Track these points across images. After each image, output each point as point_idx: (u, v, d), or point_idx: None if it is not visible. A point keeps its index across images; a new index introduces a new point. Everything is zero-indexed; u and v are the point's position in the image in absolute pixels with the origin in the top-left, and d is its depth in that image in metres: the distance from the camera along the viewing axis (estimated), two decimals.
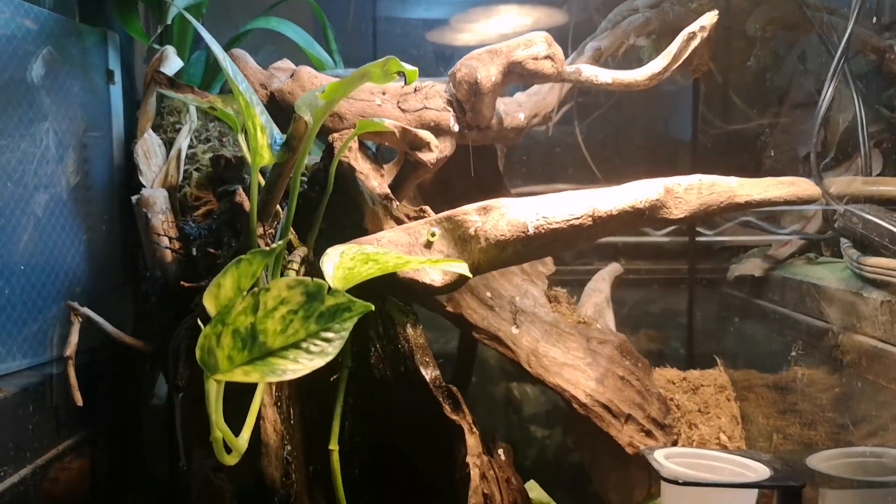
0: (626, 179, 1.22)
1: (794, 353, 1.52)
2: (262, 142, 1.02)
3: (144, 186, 1.55)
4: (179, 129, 1.62)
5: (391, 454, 1.19)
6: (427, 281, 1.16)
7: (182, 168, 1.57)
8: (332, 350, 0.86)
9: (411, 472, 1.19)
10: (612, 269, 1.84)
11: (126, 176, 1.67)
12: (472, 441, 1.10)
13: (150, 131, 1.60)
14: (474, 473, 1.08)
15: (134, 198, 1.53)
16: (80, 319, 1.41)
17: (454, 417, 1.11)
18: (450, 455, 1.13)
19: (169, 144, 1.62)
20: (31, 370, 1.38)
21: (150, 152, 1.59)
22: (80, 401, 1.38)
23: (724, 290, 1.93)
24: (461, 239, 1.16)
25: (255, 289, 0.83)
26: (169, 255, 1.47)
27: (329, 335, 0.86)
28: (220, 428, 0.89)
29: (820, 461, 1.46)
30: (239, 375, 0.84)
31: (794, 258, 1.66)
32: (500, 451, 1.17)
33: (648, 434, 1.54)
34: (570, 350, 1.57)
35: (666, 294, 2.06)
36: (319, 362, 0.85)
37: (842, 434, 1.47)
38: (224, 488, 1.39)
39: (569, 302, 1.68)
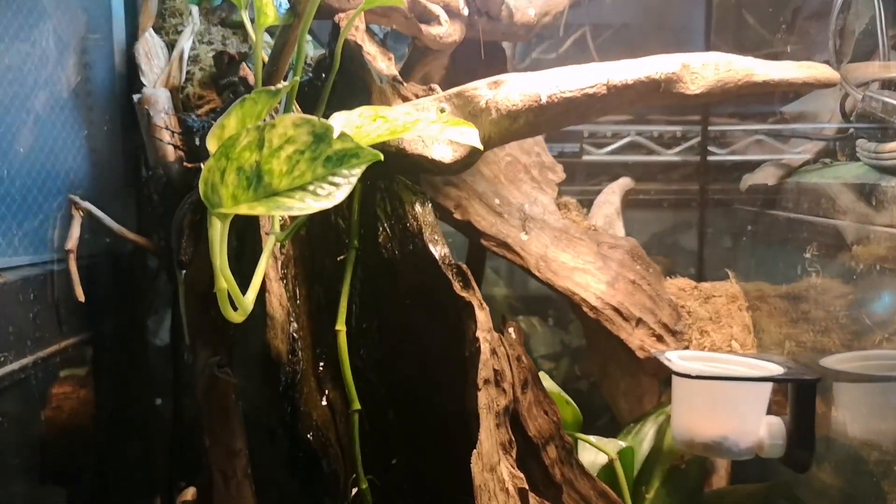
0: None
1: (808, 255, 1.48)
2: None
3: (146, 86, 1.52)
4: (182, 31, 1.59)
5: (399, 336, 1.17)
6: (436, 157, 1.13)
7: (184, 69, 1.54)
8: (341, 195, 0.83)
9: (419, 354, 1.16)
10: (623, 182, 1.81)
11: (127, 83, 1.64)
12: (483, 316, 1.08)
13: (152, 31, 1.56)
14: (484, 348, 1.05)
15: (135, 96, 1.50)
16: (82, 214, 1.39)
17: (464, 294, 1.09)
18: (459, 335, 1.10)
19: (171, 46, 1.58)
20: (31, 266, 1.36)
21: (151, 53, 1.56)
22: (81, 296, 1.36)
23: (735, 206, 1.90)
24: (471, 115, 1.13)
25: (260, 123, 0.80)
26: (171, 154, 1.44)
27: (337, 180, 0.83)
28: (224, 276, 0.87)
29: (834, 363, 1.44)
30: (244, 209, 0.81)
31: (808, 165, 1.62)
32: (511, 330, 1.15)
33: (659, 339, 1.52)
34: (580, 255, 1.54)
35: (677, 214, 2.03)
36: (326, 204, 0.82)
37: (856, 340, 1.44)
38: (229, 383, 1.37)
39: (579, 210, 1.65)
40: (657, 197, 2.02)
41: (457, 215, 1.51)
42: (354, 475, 1.13)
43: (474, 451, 1.02)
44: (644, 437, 1.52)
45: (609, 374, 1.61)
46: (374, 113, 0.95)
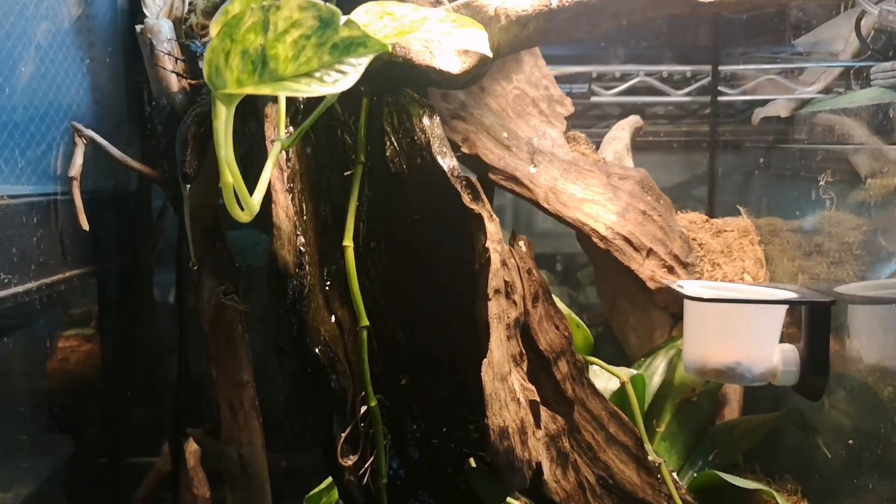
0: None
1: (822, 183, 1.46)
2: None
3: (148, 18, 1.49)
4: None
5: (407, 255, 1.15)
6: (444, 68, 1.11)
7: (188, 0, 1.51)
8: (347, 83, 0.81)
9: (429, 272, 1.14)
10: (632, 119, 1.79)
11: (129, 17, 1.62)
12: (493, 227, 1.06)
13: None
14: (494, 258, 1.03)
15: (138, 27, 1.47)
16: (85, 142, 1.37)
17: (473, 206, 1.07)
18: (469, 249, 1.08)
19: None
20: (35, 195, 1.34)
21: None
22: (85, 224, 1.34)
23: (747, 145, 1.87)
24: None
25: (264, 4, 0.78)
26: (175, 84, 1.42)
27: (344, 68, 0.82)
28: (230, 170, 0.85)
29: (849, 291, 1.42)
30: (249, 90, 0.79)
31: (821, 95, 1.60)
32: (521, 244, 1.13)
33: (670, 270, 1.50)
34: (589, 186, 1.52)
35: (687, 156, 2.00)
36: (333, 90, 0.80)
37: (870, 271, 1.42)
38: (236, 311, 1.36)
39: (588, 143, 1.63)
40: (667, 139, 1.99)
41: (464, 149, 1.50)
42: (363, 393, 1.11)
43: (484, 360, 1.00)
44: (655, 371, 1.50)
45: (619, 309, 1.59)
46: (380, 10, 0.92)
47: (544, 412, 1.06)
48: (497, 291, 1.03)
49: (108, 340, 1.60)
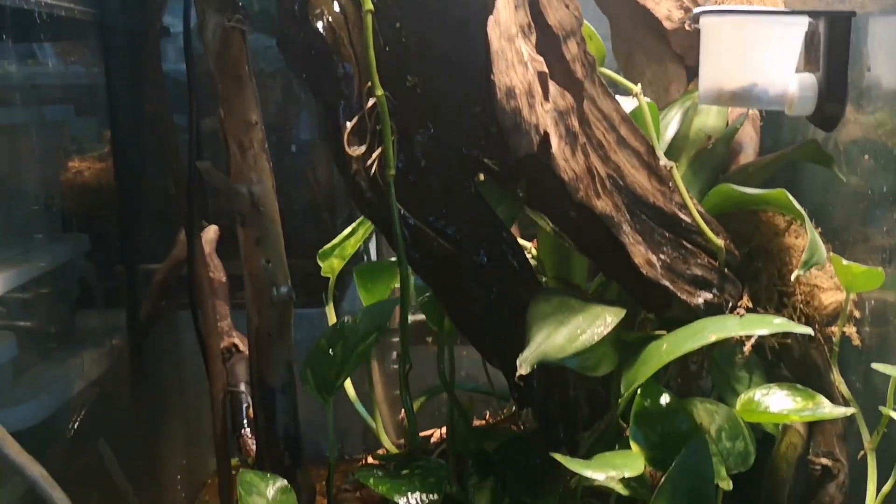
0: None
1: None
2: None
3: None
4: None
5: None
6: None
7: None
8: None
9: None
10: None
11: None
12: None
13: None
14: None
15: None
16: None
17: None
18: None
19: None
20: None
21: None
22: None
23: None
24: None
25: None
26: None
27: None
28: None
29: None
30: None
31: None
32: None
33: (687, 13, 1.46)
34: None
35: None
36: None
37: None
38: (241, 47, 1.34)
39: None
40: None
41: None
42: (370, 83, 1.09)
43: (490, 17, 0.98)
44: (670, 122, 1.47)
45: (634, 64, 1.56)
46: None
47: (553, 86, 1.03)
48: None
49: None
